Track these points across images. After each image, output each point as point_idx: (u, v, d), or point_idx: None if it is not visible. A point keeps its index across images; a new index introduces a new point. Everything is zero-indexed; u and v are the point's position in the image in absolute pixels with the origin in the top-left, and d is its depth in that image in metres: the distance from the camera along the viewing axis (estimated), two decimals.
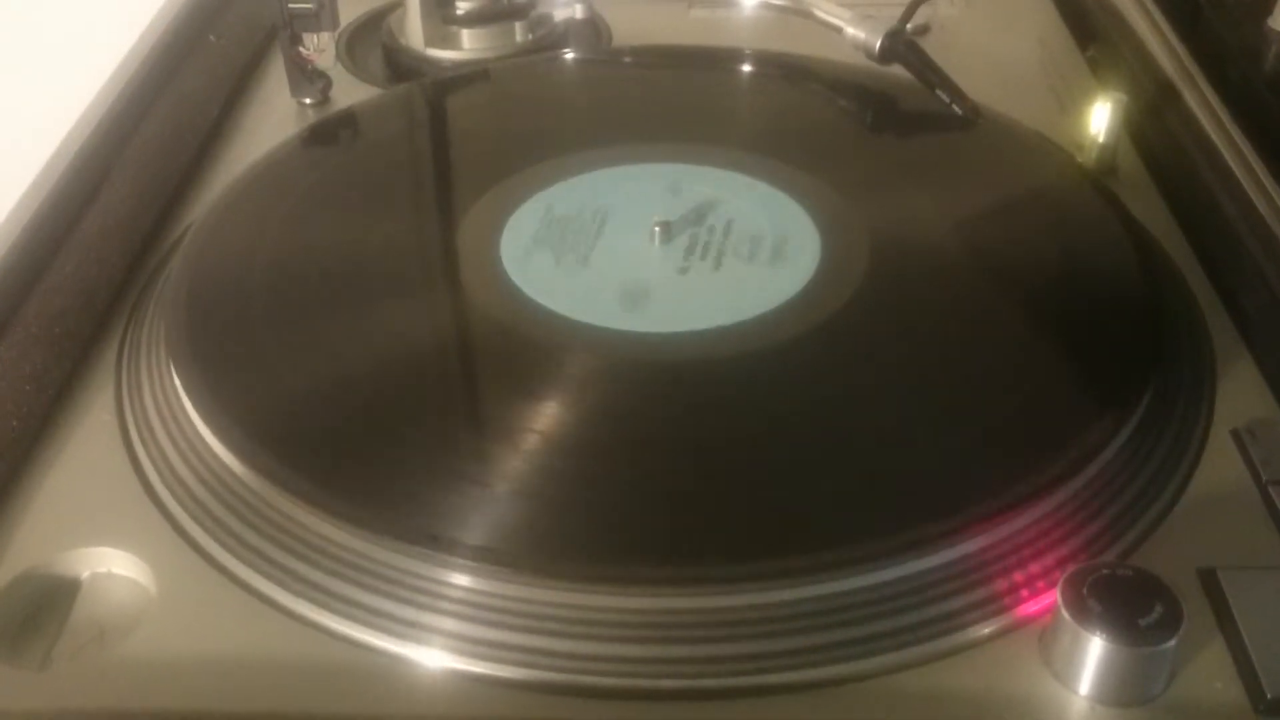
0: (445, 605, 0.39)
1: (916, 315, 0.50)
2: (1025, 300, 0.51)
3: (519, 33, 0.73)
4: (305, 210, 0.57)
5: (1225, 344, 0.51)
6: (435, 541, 0.40)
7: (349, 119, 0.65)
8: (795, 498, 0.42)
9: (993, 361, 0.48)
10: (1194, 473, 0.45)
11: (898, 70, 0.65)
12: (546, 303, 0.50)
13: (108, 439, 0.47)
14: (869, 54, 0.65)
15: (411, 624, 0.39)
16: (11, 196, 0.56)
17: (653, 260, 0.53)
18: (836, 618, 0.39)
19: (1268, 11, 0.64)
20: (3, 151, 0.60)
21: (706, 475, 0.43)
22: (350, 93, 0.69)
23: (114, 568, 0.43)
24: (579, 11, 0.75)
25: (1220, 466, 0.45)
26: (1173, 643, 0.36)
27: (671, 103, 0.67)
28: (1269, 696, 0.37)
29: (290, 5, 0.66)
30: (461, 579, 0.40)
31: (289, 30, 0.66)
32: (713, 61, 0.71)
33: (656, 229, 0.54)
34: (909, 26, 0.65)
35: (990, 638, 0.39)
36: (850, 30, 0.66)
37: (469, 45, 0.72)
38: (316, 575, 0.41)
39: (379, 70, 0.73)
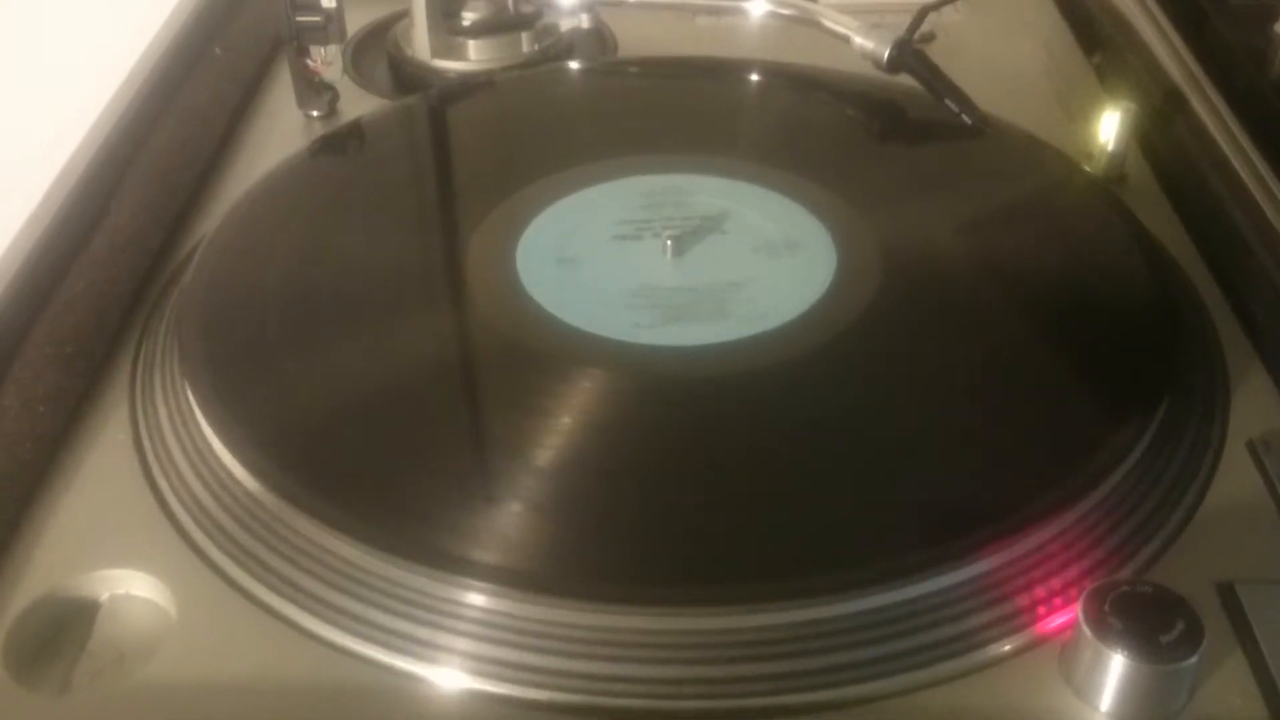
0: (464, 625, 0.39)
1: (930, 329, 0.50)
2: (1037, 314, 0.51)
3: (525, 43, 0.73)
4: (316, 225, 0.57)
5: (1238, 354, 0.51)
6: (454, 562, 0.40)
7: (356, 131, 0.65)
8: (813, 515, 0.42)
9: (1007, 376, 0.48)
10: (1210, 485, 0.45)
11: (906, 79, 0.65)
12: (564, 317, 0.50)
13: (123, 459, 0.47)
14: (877, 63, 0.65)
15: (430, 644, 0.39)
16: (20, 215, 0.56)
17: (665, 273, 0.53)
18: (856, 637, 0.39)
19: (1274, 17, 0.64)
20: (10, 169, 0.60)
21: (726, 493, 0.43)
22: (357, 104, 0.69)
23: (133, 589, 0.43)
24: (585, 22, 0.75)
25: (1236, 479, 0.45)
26: (1194, 659, 0.36)
27: (679, 113, 0.67)
28: None
29: (297, 17, 0.65)
30: (480, 599, 0.40)
31: (296, 42, 0.66)
32: (720, 72, 0.70)
33: (668, 242, 0.54)
34: (915, 35, 0.65)
35: (1010, 655, 0.39)
36: (858, 40, 0.66)
37: (475, 56, 0.72)
38: (335, 596, 0.41)
39: (385, 82, 0.73)
